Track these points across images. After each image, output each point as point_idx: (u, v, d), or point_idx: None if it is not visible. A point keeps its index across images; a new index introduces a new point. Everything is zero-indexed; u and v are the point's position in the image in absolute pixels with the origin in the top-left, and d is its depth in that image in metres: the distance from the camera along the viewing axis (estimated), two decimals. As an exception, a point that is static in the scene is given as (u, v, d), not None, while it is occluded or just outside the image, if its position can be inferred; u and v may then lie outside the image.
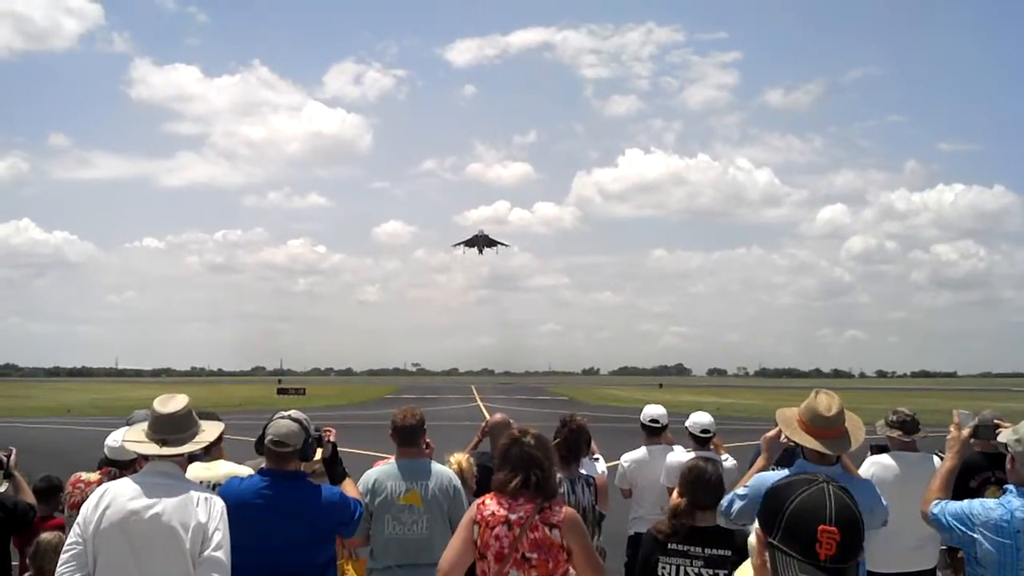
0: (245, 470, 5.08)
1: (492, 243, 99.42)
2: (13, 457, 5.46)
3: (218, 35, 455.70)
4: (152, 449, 3.92)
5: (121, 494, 3.73)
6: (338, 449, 4.82)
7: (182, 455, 4.00)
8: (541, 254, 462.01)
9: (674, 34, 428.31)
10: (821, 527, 2.02)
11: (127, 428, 4.46)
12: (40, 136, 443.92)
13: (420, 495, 5.10)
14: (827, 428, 4.25)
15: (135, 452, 4.10)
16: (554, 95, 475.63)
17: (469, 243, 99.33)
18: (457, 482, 5.30)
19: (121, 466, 5.27)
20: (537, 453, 4.20)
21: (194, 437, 4.04)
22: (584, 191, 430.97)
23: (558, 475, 5.31)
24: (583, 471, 5.88)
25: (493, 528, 4.04)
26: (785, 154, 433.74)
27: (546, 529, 4.03)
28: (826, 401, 4.29)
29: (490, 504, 4.12)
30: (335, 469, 4.78)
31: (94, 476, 5.40)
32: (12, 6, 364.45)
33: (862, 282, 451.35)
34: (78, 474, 5.55)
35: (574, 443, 5.83)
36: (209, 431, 4.17)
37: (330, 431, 4.77)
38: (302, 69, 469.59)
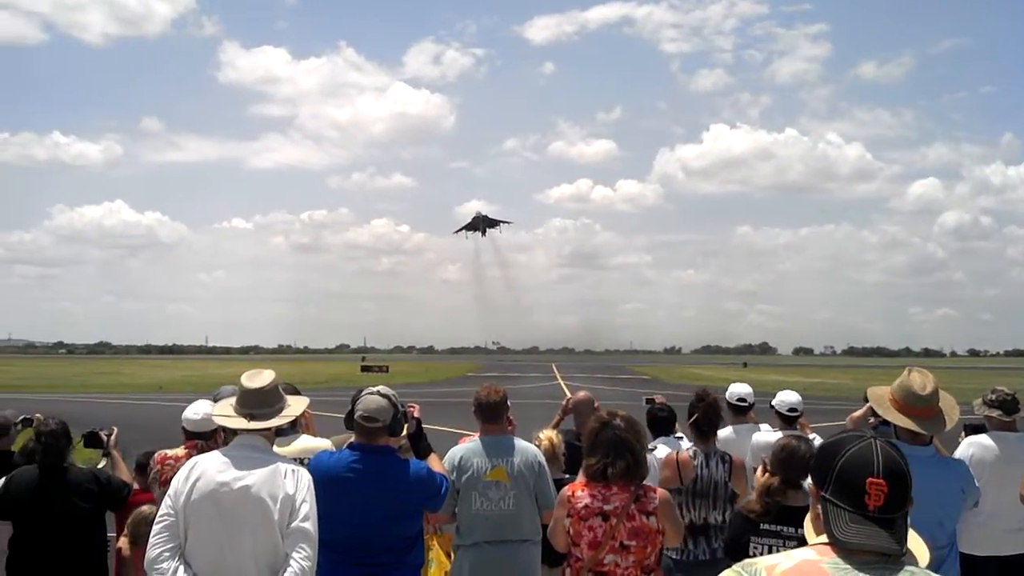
0: (324, 443, 5.15)
1: (493, 223, 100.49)
2: (114, 436, 5.64)
3: (306, 17, 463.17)
4: (240, 423, 4.01)
5: (211, 467, 3.83)
6: (422, 425, 4.87)
7: (269, 429, 4.08)
8: (624, 232, 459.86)
9: (757, 6, 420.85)
10: (869, 479, 2.11)
11: (212, 403, 4.55)
12: (133, 120, 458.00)
13: (507, 471, 5.10)
14: (921, 407, 4.17)
15: (221, 426, 4.18)
16: (635, 71, 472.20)
17: (470, 227, 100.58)
18: (542, 458, 5.28)
19: (204, 438, 5.41)
20: (628, 436, 4.18)
21: (281, 412, 4.12)
22: (667, 168, 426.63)
23: (693, 449, 5.45)
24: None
25: (586, 520, 4.06)
26: (874, 128, 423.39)
27: (643, 517, 4.04)
28: (920, 380, 4.20)
29: (582, 496, 4.12)
30: (420, 444, 4.85)
31: (180, 451, 5.51)
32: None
33: (955, 258, 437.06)
34: (162, 452, 5.64)
35: (714, 416, 5.76)
36: (295, 406, 4.25)
37: (414, 407, 4.83)
38: (384, 50, 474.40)
